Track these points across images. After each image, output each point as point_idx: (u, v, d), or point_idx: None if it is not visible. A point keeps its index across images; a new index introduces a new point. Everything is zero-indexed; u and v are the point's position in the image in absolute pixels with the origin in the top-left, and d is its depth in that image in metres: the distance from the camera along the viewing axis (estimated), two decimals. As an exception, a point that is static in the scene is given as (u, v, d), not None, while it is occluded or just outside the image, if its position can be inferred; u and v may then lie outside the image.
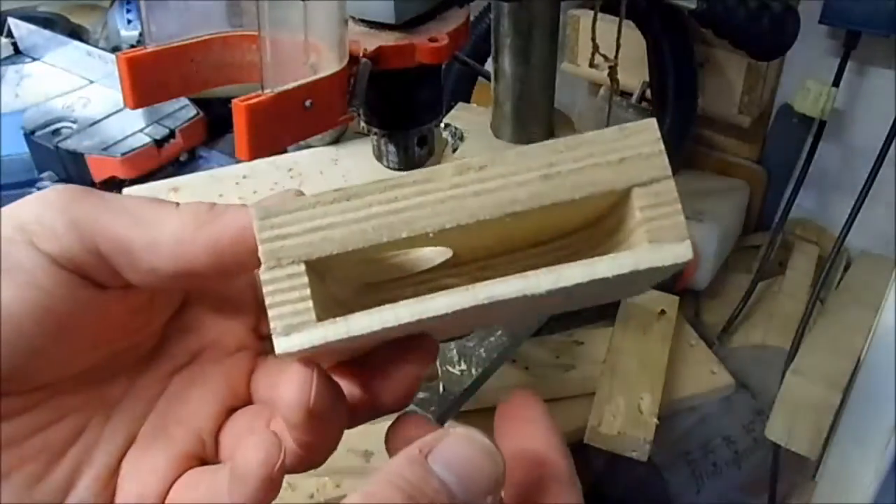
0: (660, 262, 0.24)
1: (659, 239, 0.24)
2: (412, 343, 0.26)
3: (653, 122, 0.24)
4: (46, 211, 0.24)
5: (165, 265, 0.24)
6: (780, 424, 0.64)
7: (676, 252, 0.24)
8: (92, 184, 0.85)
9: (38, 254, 0.24)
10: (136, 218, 0.24)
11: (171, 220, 0.24)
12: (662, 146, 0.24)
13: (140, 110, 0.91)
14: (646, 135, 0.24)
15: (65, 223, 0.24)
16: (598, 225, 0.27)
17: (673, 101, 0.77)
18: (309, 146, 0.84)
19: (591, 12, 0.67)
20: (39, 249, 0.24)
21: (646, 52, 0.76)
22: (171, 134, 0.90)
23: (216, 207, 0.25)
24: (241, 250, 0.24)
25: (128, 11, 1.11)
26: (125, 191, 0.77)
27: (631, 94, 0.86)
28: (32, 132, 0.89)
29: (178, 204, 0.25)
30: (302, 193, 0.25)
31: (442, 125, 0.70)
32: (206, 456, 0.28)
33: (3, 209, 0.24)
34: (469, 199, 0.24)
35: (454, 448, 0.22)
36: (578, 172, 0.24)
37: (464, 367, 0.56)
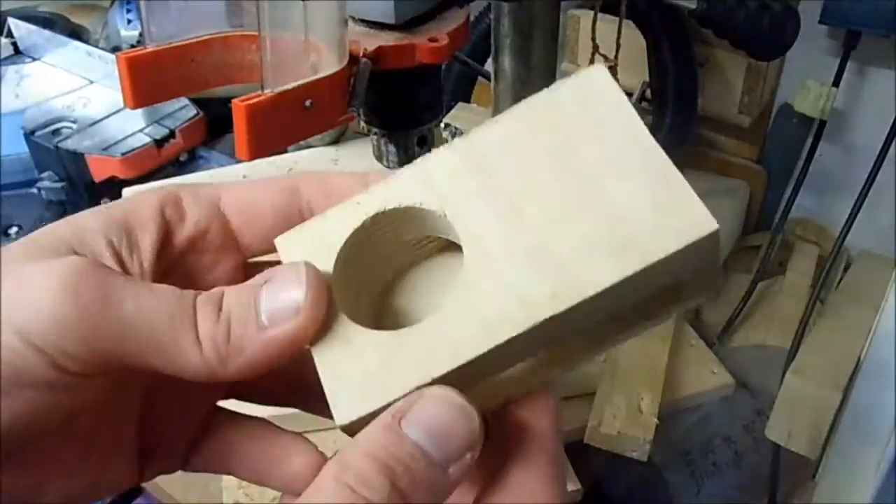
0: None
1: (696, 299, 0.26)
2: None
3: (717, 232, 0.23)
4: (64, 334, 0.22)
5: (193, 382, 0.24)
6: (780, 424, 0.64)
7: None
8: (92, 184, 0.85)
9: (57, 372, 0.22)
10: (159, 348, 0.23)
11: (193, 357, 0.23)
12: (720, 256, 0.25)
13: (140, 110, 0.91)
14: (711, 240, 0.23)
15: (87, 352, 0.22)
16: None
17: (673, 101, 0.77)
18: (309, 146, 0.84)
19: (591, 12, 0.67)
20: (59, 369, 0.22)
21: (646, 52, 0.76)
22: (171, 134, 0.90)
23: (235, 340, 0.23)
24: (268, 367, 0.24)
25: (128, 11, 1.11)
26: (125, 191, 0.77)
27: (631, 94, 0.86)
28: (32, 132, 0.89)
29: (195, 316, 0.23)
30: None
31: (442, 125, 0.70)
32: None
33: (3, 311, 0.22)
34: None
35: (427, 409, 0.22)
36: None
37: (464, 367, 0.56)
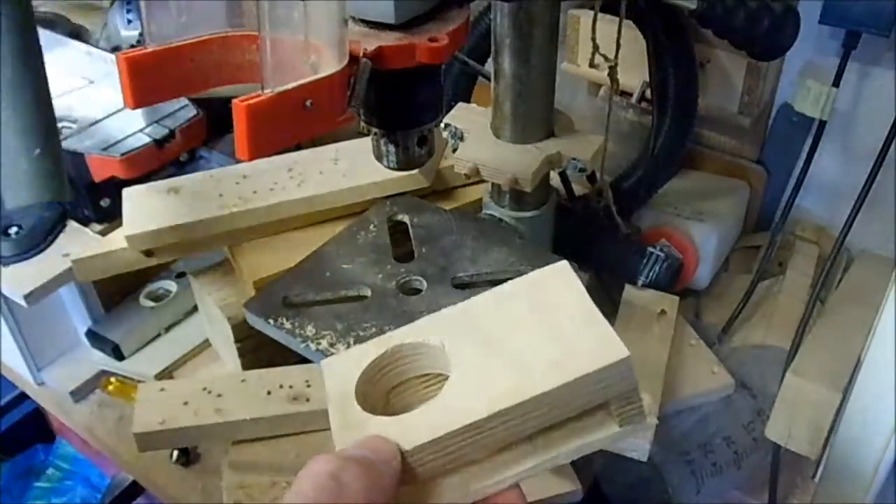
0: (627, 436, 0.35)
1: (628, 423, 0.35)
2: None
3: (628, 358, 0.33)
4: None
5: None
6: (780, 424, 0.64)
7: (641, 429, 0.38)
8: (92, 183, 0.85)
9: None
10: None
11: None
12: (635, 379, 0.34)
13: (140, 110, 0.91)
14: (623, 366, 0.33)
15: None
16: None
17: (673, 101, 0.77)
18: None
19: (591, 12, 0.67)
20: None
21: (646, 52, 0.76)
22: (171, 134, 0.90)
23: None
24: None
25: (128, 11, 1.11)
26: (125, 191, 0.77)
27: (631, 94, 0.86)
28: (32, 132, 0.89)
29: None
30: None
31: (442, 125, 0.70)
32: None
33: None
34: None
35: (357, 443, 0.32)
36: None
37: (464, 367, 0.56)
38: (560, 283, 0.38)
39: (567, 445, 0.34)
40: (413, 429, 0.33)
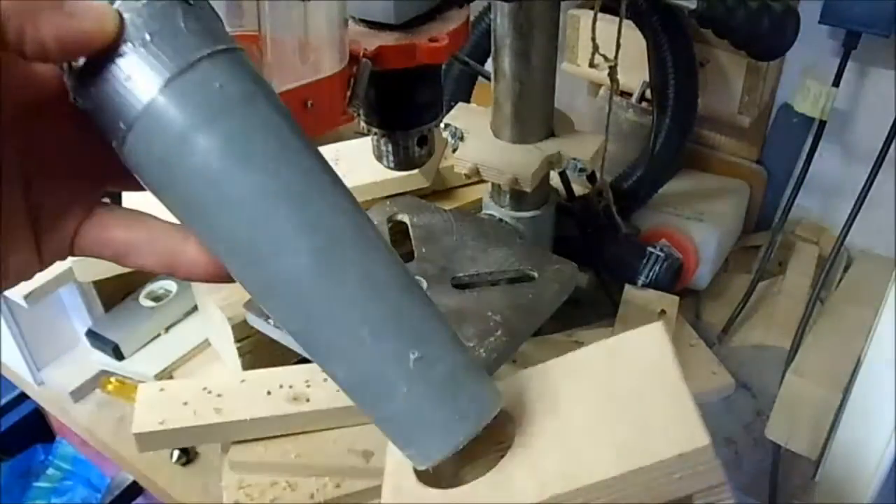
0: None
1: None
2: None
3: (709, 447, 0.29)
4: None
5: None
6: (780, 424, 0.64)
7: None
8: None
9: None
10: None
11: None
12: (723, 473, 0.29)
13: (140, 110, 0.91)
14: (703, 455, 0.29)
15: None
16: None
17: (673, 101, 0.77)
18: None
19: (591, 12, 0.67)
20: None
21: (646, 52, 0.76)
22: (171, 134, 0.89)
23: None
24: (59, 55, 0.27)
25: (128, 11, 1.11)
26: (125, 195, 0.77)
27: (631, 94, 0.86)
28: (32, 132, 0.89)
29: None
30: None
31: (442, 125, 0.70)
32: None
33: None
34: None
35: None
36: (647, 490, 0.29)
37: (464, 367, 0.56)
38: (651, 347, 0.34)
39: None
40: None
